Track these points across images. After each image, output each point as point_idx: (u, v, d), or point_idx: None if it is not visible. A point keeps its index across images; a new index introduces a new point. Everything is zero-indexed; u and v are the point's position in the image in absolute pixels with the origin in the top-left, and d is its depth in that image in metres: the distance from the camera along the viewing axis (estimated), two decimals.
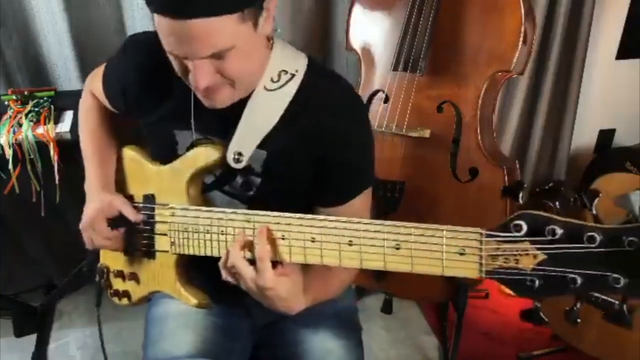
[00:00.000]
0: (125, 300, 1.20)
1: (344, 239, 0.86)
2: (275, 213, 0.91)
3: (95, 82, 1.18)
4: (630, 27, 2.37)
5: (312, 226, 0.88)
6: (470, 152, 1.69)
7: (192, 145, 1.04)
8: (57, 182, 1.68)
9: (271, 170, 1.04)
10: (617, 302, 1.61)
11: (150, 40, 1.02)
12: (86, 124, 1.21)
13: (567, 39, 2.23)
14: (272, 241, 0.91)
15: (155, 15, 0.83)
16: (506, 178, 1.67)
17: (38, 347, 1.69)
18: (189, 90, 0.99)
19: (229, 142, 0.99)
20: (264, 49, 0.97)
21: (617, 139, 2.67)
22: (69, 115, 1.72)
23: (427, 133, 1.69)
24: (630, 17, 2.35)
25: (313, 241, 0.88)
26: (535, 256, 0.73)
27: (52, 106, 1.72)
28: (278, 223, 0.90)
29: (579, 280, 0.71)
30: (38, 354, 1.73)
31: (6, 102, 1.72)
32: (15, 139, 1.62)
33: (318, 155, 1.01)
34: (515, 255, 0.74)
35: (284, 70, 0.98)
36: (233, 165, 1.00)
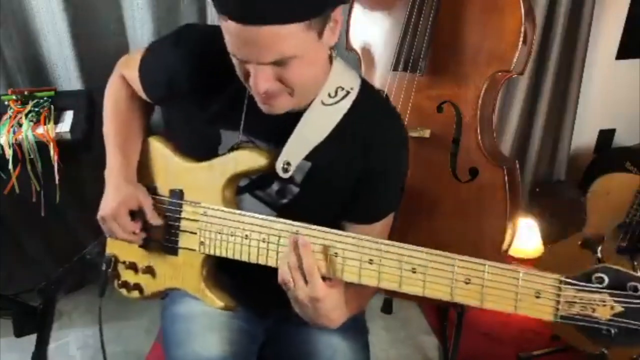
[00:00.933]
0: (136, 293, 1.17)
1: (406, 266, 0.86)
2: (324, 228, 0.91)
3: (129, 67, 1.13)
4: (630, 27, 2.37)
5: (370, 248, 0.88)
6: (470, 152, 1.69)
7: (235, 147, 1.03)
8: (57, 182, 1.68)
9: (311, 181, 1.04)
10: None
11: (206, 34, 1.03)
12: (113, 109, 1.16)
13: (567, 39, 2.23)
14: (325, 257, 0.91)
15: (225, 20, 0.83)
16: (506, 178, 1.67)
17: (38, 347, 1.68)
18: (244, 91, 0.98)
19: (279, 151, 0.99)
20: (326, 61, 0.98)
21: (617, 139, 2.68)
22: (69, 115, 1.72)
23: (427, 133, 1.69)
24: (630, 17, 2.36)
25: (371, 263, 0.89)
26: (612, 307, 0.77)
27: (52, 106, 1.72)
28: (335, 241, 0.90)
29: None
30: (38, 354, 1.72)
31: (6, 102, 1.72)
32: (15, 139, 1.62)
33: (359, 171, 1.03)
34: (593, 304, 0.78)
35: (340, 87, 1.00)
36: (281, 174, 0.99)
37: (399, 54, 1.68)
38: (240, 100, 1.00)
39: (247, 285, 1.13)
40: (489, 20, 1.63)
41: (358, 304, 1.05)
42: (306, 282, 0.89)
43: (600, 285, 0.77)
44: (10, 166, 1.62)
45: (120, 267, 1.17)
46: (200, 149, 1.06)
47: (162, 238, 1.09)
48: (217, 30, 0.92)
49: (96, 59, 1.89)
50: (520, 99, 2.31)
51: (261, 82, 0.87)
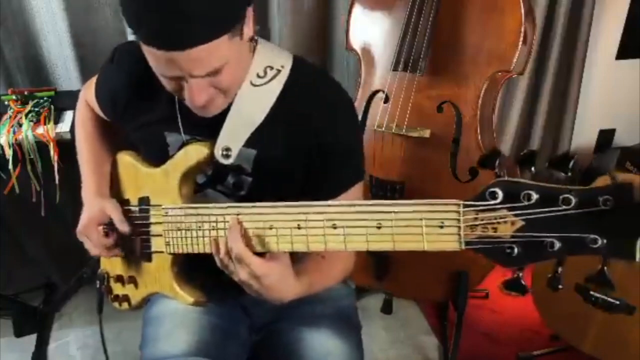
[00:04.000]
0: (125, 305, 1.21)
1: (327, 223, 0.86)
2: (262, 204, 0.91)
3: (89, 91, 1.21)
4: (630, 27, 2.37)
5: (298, 213, 0.87)
6: (470, 152, 1.69)
7: (182, 146, 1.05)
8: (57, 182, 1.68)
9: (261, 168, 1.05)
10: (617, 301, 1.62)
11: (136, 49, 1.04)
12: (81, 132, 1.24)
13: (567, 39, 2.23)
14: (255, 232, 0.91)
15: (144, 45, 0.85)
16: (506, 178, 1.67)
17: (38, 347, 1.69)
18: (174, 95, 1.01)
19: (217, 138, 1.00)
20: (249, 51, 1.00)
21: (617, 139, 2.67)
22: (69, 115, 1.72)
23: (427, 133, 1.69)
24: (630, 17, 2.36)
25: (299, 228, 0.88)
26: (513, 223, 0.73)
27: (52, 106, 1.72)
28: (264, 214, 0.90)
29: (557, 244, 0.70)
30: (38, 354, 1.72)
31: (6, 102, 1.72)
32: (15, 139, 1.62)
33: (307, 149, 1.03)
34: (493, 223, 0.74)
35: (269, 66, 1.00)
36: (221, 161, 1.00)
37: (399, 54, 1.68)
38: (172, 103, 1.03)
39: (221, 281, 1.14)
40: (489, 20, 1.63)
41: (320, 278, 1.04)
42: (240, 262, 0.89)
43: (495, 201, 0.73)
44: (10, 166, 1.62)
45: (111, 282, 1.21)
46: (155, 155, 1.09)
47: (138, 247, 1.11)
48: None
49: (96, 59, 1.89)
50: (520, 99, 2.31)
51: (198, 95, 0.90)
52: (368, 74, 1.79)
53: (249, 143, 1.01)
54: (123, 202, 1.13)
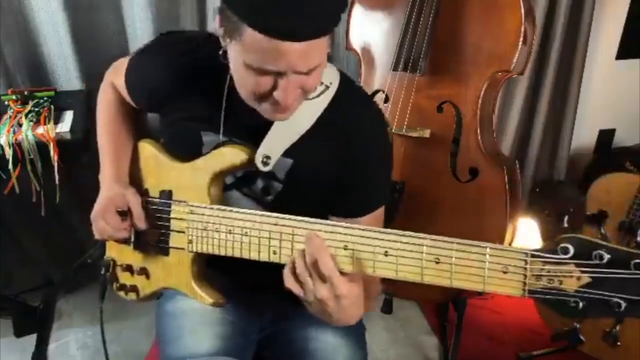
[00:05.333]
0: (132, 295, 1.18)
1: (379, 250, 0.86)
2: (316, 220, 0.90)
3: (117, 75, 1.17)
4: (630, 27, 2.37)
5: (348, 235, 0.87)
6: (470, 152, 1.69)
7: (218, 146, 1.04)
8: (57, 182, 1.68)
9: (294, 178, 1.05)
10: None
11: (184, 41, 1.06)
12: (104, 115, 1.21)
13: (567, 39, 2.23)
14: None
15: (250, 32, 0.81)
16: (506, 178, 1.67)
17: (38, 347, 1.69)
18: (221, 94, 1.01)
19: (258, 145, 1.00)
20: None
21: (617, 139, 2.68)
22: (69, 115, 1.72)
23: (427, 133, 1.69)
24: (630, 17, 2.36)
25: (345, 249, 0.88)
26: (579, 278, 0.75)
27: (52, 106, 1.72)
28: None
29: (623, 305, 0.73)
30: (38, 354, 1.72)
31: (6, 102, 1.72)
32: (15, 139, 1.62)
33: (341, 164, 1.04)
34: (559, 276, 0.76)
35: (320, 82, 1.00)
36: (260, 167, 1.01)
37: (399, 53, 1.68)
38: (219, 103, 1.02)
39: (238, 281, 1.14)
40: (489, 20, 1.63)
41: (367, 299, 1.03)
42: (324, 280, 0.86)
43: (565, 256, 0.74)
44: (10, 166, 1.62)
45: (118, 270, 1.19)
46: (185, 150, 1.08)
47: (154, 239, 1.10)
48: (192, 36, 0.96)
49: (96, 59, 1.89)
50: (520, 99, 2.31)
51: (292, 93, 0.88)
52: (368, 74, 1.79)
53: (286, 152, 1.02)
54: (142, 192, 1.12)
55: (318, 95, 0.99)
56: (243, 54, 0.85)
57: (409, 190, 1.74)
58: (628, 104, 2.54)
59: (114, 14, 1.88)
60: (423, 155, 1.72)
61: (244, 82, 0.90)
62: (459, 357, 1.92)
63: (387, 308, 2.06)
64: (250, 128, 1.00)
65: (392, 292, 1.99)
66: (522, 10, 1.59)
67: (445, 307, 2.08)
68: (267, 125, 1.00)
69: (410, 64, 1.67)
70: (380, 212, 1.10)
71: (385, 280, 1.88)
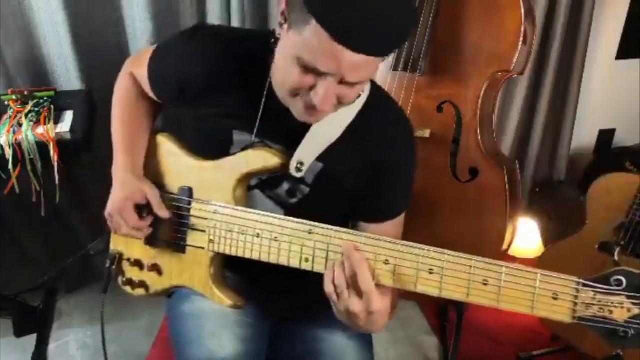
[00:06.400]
0: (141, 291, 1.16)
1: (423, 267, 0.86)
2: (349, 231, 0.90)
3: (139, 66, 1.13)
4: (630, 27, 2.37)
5: (391, 250, 0.88)
6: (470, 152, 1.69)
7: (248, 147, 1.03)
8: (57, 182, 1.68)
9: (322, 181, 1.05)
10: None
11: (220, 35, 1.04)
12: (120, 106, 1.17)
13: (567, 39, 2.23)
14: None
15: (315, 26, 0.78)
16: (506, 178, 1.67)
17: (38, 347, 1.68)
18: (260, 94, 0.99)
19: (292, 152, 0.99)
20: None
21: (617, 139, 2.68)
22: (69, 115, 1.72)
23: (427, 133, 1.69)
24: (630, 17, 2.36)
25: (386, 263, 0.88)
26: (629, 310, 0.79)
27: (52, 106, 1.72)
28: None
29: None
30: (38, 354, 1.72)
31: (6, 102, 1.72)
32: (15, 139, 1.62)
33: (370, 171, 1.04)
34: (610, 306, 0.79)
35: None
36: (294, 174, 1.00)
37: (399, 53, 1.68)
38: (255, 103, 1.00)
39: (255, 283, 1.14)
40: (489, 20, 1.63)
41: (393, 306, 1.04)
42: (360, 295, 0.86)
43: (618, 288, 0.79)
44: (10, 166, 1.61)
45: (125, 264, 1.16)
46: (212, 148, 1.05)
47: (170, 236, 1.08)
48: (231, 32, 0.91)
49: (96, 59, 1.89)
50: (520, 99, 2.31)
51: (327, 99, 0.86)
52: None
53: (318, 157, 1.01)
54: (158, 187, 1.09)
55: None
56: (298, 45, 0.82)
57: None
58: (628, 104, 2.54)
59: (114, 14, 1.88)
60: (423, 155, 1.70)
61: (286, 75, 0.88)
62: (459, 357, 1.92)
63: None
64: (285, 132, 0.99)
65: None
66: (522, 10, 1.59)
67: (445, 307, 2.08)
68: (302, 130, 0.99)
69: (410, 64, 1.67)
70: (401, 218, 1.10)
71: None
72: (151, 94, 1.14)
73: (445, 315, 2.08)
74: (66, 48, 1.85)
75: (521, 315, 0.79)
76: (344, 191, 1.06)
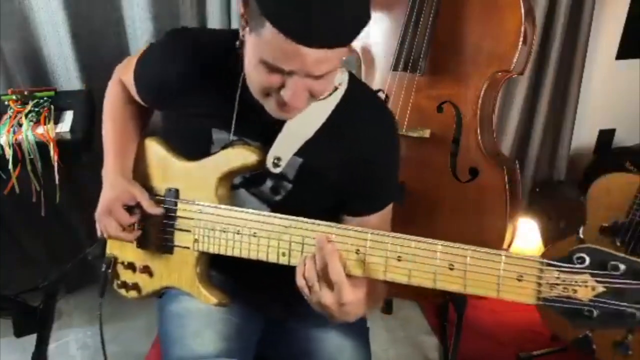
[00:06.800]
0: (134, 293, 1.18)
1: (392, 254, 0.86)
2: (325, 223, 0.90)
3: (126, 71, 1.17)
4: (630, 27, 2.37)
5: (360, 239, 0.88)
6: (470, 152, 1.69)
7: (227, 145, 1.04)
8: (57, 182, 1.68)
9: (304, 177, 1.05)
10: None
11: (197, 38, 1.06)
12: (110, 111, 1.21)
13: (567, 39, 2.23)
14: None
15: (270, 28, 0.80)
16: (506, 178, 1.67)
17: (38, 347, 1.68)
18: (234, 93, 1.00)
19: (269, 147, 1.00)
20: None
21: (617, 139, 2.67)
22: (69, 115, 1.72)
23: (427, 133, 1.69)
24: (630, 17, 2.36)
25: (357, 253, 0.88)
26: (593, 288, 0.76)
27: (52, 106, 1.72)
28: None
29: (637, 315, 0.74)
30: (38, 354, 1.72)
31: (6, 102, 1.72)
32: (15, 139, 1.62)
33: (352, 164, 1.04)
34: (574, 285, 0.77)
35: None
36: (272, 169, 1.01)
37: (399, 53, 1.68)
38: (231, 101, 1.02)
39: (241, 281, 1.14)
40: (489, 20, 1.63)
41: (373, 299, 1.02)
42: (331, 287, 0.87)
43: (581, 266, 0.76)
44: (10, 166, 1.61)
45: (119, 268, 1.18)
46: (194, 149, 1.07)
47: (159, 237, 1.10)
48: (205, 32, 0.94)
49: (96, 59, 1.89)
50: (520, 99, 2.31)
51: (298, 96, 0.87)
52: (368, 74, 1.79)
53: (296, 152, 1.02)
54: (147, 190, 1.11)
55: (327, 97, 0.99)
56: (259, 47, 0.84)
57: (409, 190, 1.74)
58: (628, 104, 2.54)
59: (114, 14, 1.88)
60: (423, 156, 1.72)
61: (254, 76, 0.90)
62: (459, 357, 1.92)
63: (387, 308, 2.07)
64: (261, 128, 1.00)
65: (391, 292, 1.99)
66: (522, 10, 1.59)
67: (445, 307, 2.08)
68: (278, 126, 0.99)
69: (410, 64, 1.67)
70: (388, 210, 1.10)
71: (385, 281, 1.86)
72: (138, 98, 1.17)
73: (445, 315, 2.08)
74: (66, 48, 1.85)
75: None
76: (328, 186, 1.06)
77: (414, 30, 1.66)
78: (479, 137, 1.68)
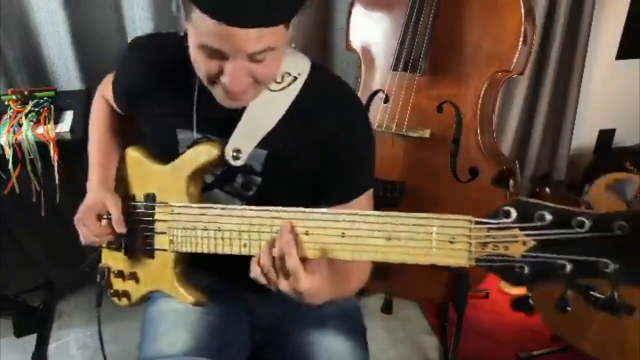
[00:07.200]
0: (125, 301, 1.20)
1: (336, 232, 0.86)
2: (272, 208, 0.91)
3: (106, 86, 1.21)
4: (630, 27, 2.37)
5: (308, 220, 0.87)
6: (470, 152, 1.69)
7: (192, 144, 1.05)
8: (57, 182, 1.68)
9: (271, 169, 1.05)
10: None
11: (154, 42, 1.10)
12: (94, 124, 1.24)
13: (567, 39, 2.23)
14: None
15: (199, 12, 0.82)
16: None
17: (38, 347, 1.69)
18: (192, 90, 1.01)
19: (228, 140, 1.00)
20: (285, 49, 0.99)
21: (617, 139, 2.68)
22: (69, 115, 1.73)
23: (427, 133, 1.69)
24: (630, 17, 2.36)
25: (307, 234, 0.87)
26: (524, 243, 0.72)
27: (52, 106, 1.72)
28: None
29: (568, 267, 0.70)
30: (38, 354, 1.73)
31: (6, 102, 1.72)
32: (15, 139, 1.62)
33: (320, 155, 1.03)
34: (505, 242, 0.73)
35: (287, 73, 1.01)
36: (231, 162, 1.01)
37: (399, 53, 1.68)
38: (189, 99, 1.03)
39: (223, 280, 1.16)
40: (489, 20, 1.63)
41: (344, 285, 1.04)
42: (287, 276, 0.87)
43: (507, 220, 0.72)
44: (10, 166, 1.62)
45: (112, 277, 1.21)
46: (165, 151, 1.09)
47: (141, 243, 1.11)
48: (160, 36, 1.01)
49: (96, 59, 1.89)
50: (520, 99, 2.31)
51: (237, 80, 0.88)
52: (368, 74, 1.79)
53: (260, 144, 1.02)
54: (129, 198, 1.13)
55: (286, 87, 1.00)
56: (195, 33, 0.86)
57: (409, 190, 1.74)
58: (628, 104, 2.54)
59: (114, 14, 1.88)
60: (423, 155, 1.72)
61: (197, 64, 0.91)
62: (459, 357, 1.92)
63: (387, 308, 2.07)
64: (222, 123, 1.00)
65: (391, 292, 1.99)
66: (522, 10, 1.59)
67: (445, 307, 2.08)
68: (238, 118, 1.00)
69: (410, 64, 1.67)
70: (368, 196, 1.08)
71: (385, 280, 1.88)
72: (116, 107, 1.20)
73: (445, 315, 2.08)
74: (66, 48, 1.85)
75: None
76: (298, 176, 1.06)
77: (414, 30, 1.66)
78: (479, 137, 1.68)
